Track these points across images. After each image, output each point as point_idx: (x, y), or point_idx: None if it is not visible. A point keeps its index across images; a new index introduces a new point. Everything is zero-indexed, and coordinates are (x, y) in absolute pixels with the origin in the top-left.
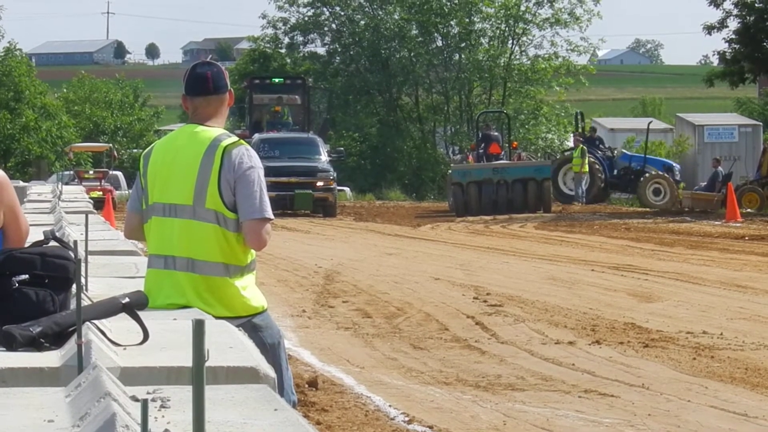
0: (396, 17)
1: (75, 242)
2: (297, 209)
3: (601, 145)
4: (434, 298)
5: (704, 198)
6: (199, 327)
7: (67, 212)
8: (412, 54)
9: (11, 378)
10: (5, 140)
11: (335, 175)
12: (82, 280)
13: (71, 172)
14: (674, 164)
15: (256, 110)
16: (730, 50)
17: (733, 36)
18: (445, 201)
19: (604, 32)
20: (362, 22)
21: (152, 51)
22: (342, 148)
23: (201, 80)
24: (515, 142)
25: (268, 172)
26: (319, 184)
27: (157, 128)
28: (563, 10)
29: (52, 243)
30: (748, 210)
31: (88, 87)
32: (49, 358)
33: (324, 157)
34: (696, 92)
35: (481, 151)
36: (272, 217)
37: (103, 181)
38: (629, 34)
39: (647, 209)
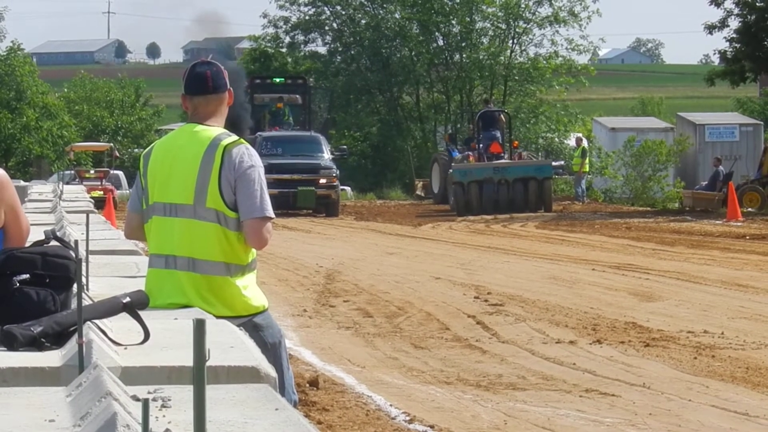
0: (397, 16)
1: (76, 242)
2: (300, 207)
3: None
4: (435, 298)
5: (705, 197)
6: (199, 326)
7: (67, 212)
8: (413, 53)
9: (12, 377)
10: (6, 140)
11: (338, 172)
12: (83, 279)
13: (72, 172)
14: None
15: (256, 110)
16: (731, 49)
17: (734, 35)
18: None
19: (605, 31)
20: (363, 21)
21: (153, 50)
22: (345, 147)
23: (200, 79)
24: (516, 141)
25: (271, 169)
26: (322, 181)
27: (158, 128)
28: (563, 8)
29: (53, 242)
30: (749, 209)
31: (88, 86)
32: (50, 358)
33: (327, 155)
34: (697, 91)
35: (480, 134)
36: (273, 215)
37: (104, 180)
38: (630, 34)
39: (648, 208)
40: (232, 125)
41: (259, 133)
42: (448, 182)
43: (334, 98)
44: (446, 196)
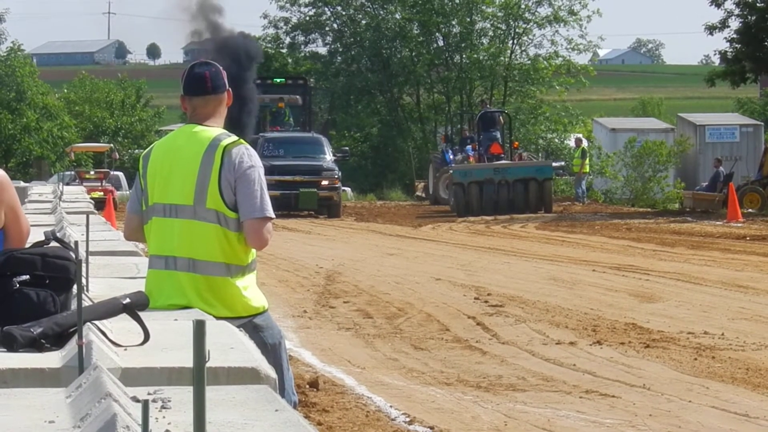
0: (397, 17)
1: (76, 243)
2: (302, 208)
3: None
4: (435, 299)
5: (705, 198)
6: (199, 327)
7: (67, 213)
8: (413, 54)
9: (12, 379)
10: (6, 140)
11: (340, 174)
12: (83, 280)
13: (72, 173)
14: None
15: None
16: (731, 50)
17: (735, 36)
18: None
19: (605, 32)
20: (363, 22)
21: (153, 51)
22: (347, 148)
23: (199, 80)
24: (516, 142)
25: (273, 170)
26: (324, 183)
27: (158, 128)
28: (562, 8)
29: (53, 243)
30: (750, 210)
31: (89, 87)
32: (50, 359)
33: (329, 157)
34: (697, 92)
35: (480, 136)
36: (273, 216)
37: (104, 181)
38: (630, 34)
39: (648, 209)
40: (231, 118)
41: (261, 134)
42: (447, 183)
43: (335, 99)
44: (437, 197)
